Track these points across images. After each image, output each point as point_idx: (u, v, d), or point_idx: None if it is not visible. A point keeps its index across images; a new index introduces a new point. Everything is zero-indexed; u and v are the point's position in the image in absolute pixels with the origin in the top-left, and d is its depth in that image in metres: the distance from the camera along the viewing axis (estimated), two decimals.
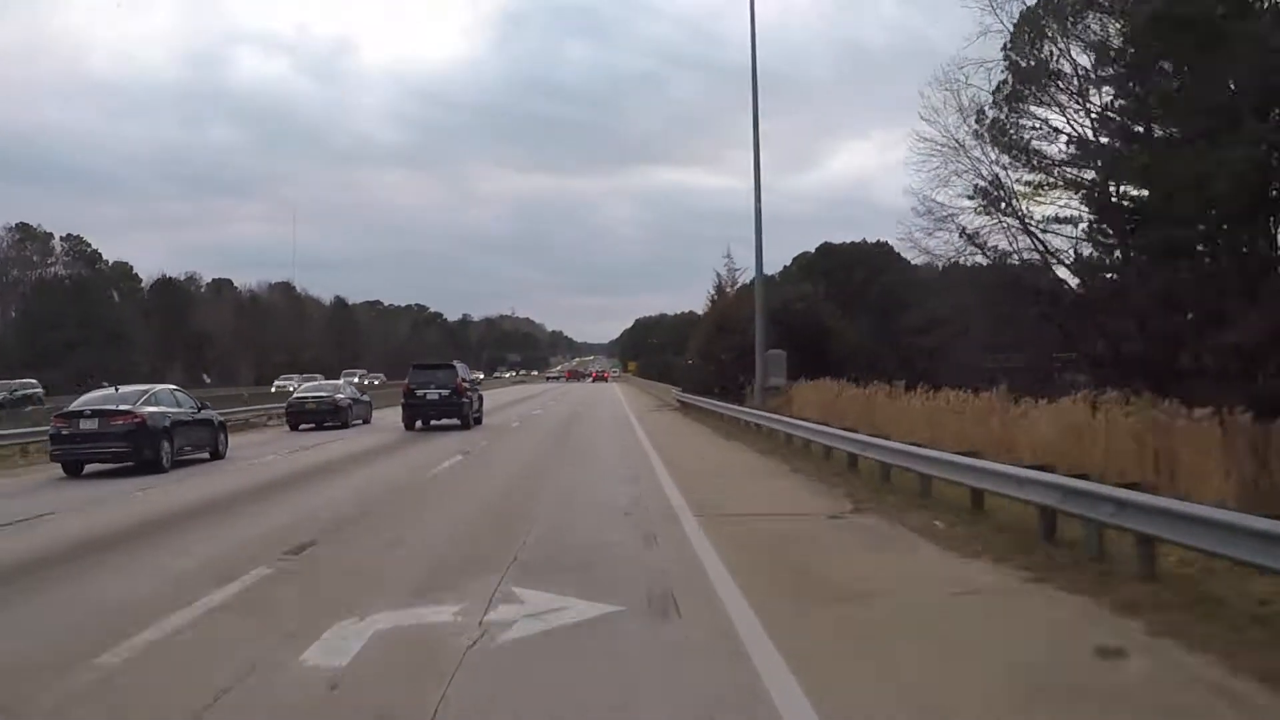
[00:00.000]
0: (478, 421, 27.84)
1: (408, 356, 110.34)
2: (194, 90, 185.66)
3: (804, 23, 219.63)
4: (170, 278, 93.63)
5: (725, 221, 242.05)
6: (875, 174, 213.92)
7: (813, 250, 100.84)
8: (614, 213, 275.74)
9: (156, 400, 16.77)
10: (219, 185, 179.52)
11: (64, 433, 15.81)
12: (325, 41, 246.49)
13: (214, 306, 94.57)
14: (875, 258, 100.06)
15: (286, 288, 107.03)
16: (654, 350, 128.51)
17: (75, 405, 16.54)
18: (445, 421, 26.68)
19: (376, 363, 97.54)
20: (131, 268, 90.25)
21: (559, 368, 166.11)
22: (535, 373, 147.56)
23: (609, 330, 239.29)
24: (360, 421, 30.01)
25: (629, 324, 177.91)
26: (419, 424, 26.32)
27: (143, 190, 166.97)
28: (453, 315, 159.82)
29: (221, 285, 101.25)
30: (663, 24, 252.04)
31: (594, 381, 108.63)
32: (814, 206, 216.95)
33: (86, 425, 15.71)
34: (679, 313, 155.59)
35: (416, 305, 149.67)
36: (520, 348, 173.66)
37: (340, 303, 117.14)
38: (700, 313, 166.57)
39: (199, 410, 18.13)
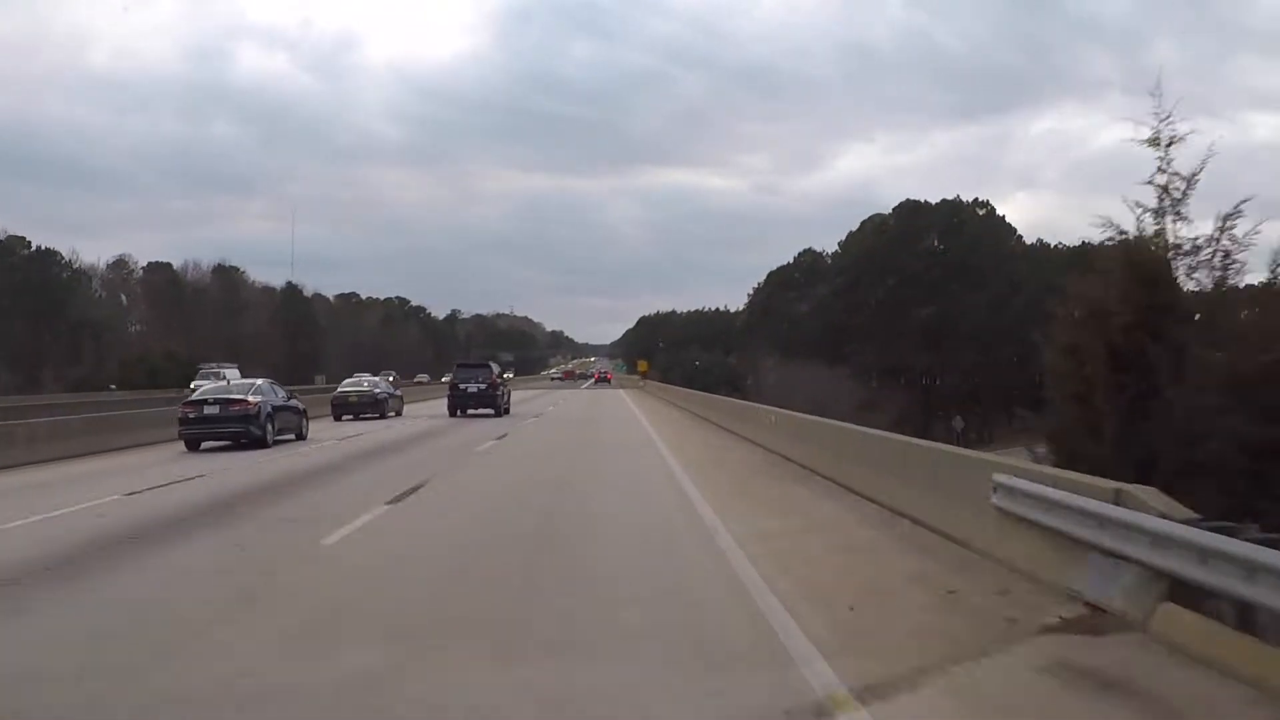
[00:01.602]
0: (506, 411, 32.10)
1: (375, 354, 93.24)
2: (195, 85, 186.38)
3: (811, 21, 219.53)
4: (48, 250, 77.35)
5: (729, 224, 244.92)
6: (880, 175, 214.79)
7: (889, 210, 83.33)
8: (617, 213, 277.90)
9: (260, 391, 20.76)
10: (220, 181, 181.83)
11: (190, 416, 19.73)
12: (328, 37, 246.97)
13: (118, 290, 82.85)
14: (984, 226, 79.44)
15: (226, 273, 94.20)
16: (667, 350, 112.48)
17: (198, 395, 20.56)
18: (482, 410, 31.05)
19: (339, 361, 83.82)
20: (30, 243, 77.32)
21: (556, 369, 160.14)
22: (510, 375, 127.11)
23: (611, 331, 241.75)
24: (393, 414, 33.92)
25: (631, 325, 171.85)
26: (458, 412, 30.63)
27: (144, 186, 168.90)
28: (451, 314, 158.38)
29: (157, 269, 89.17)
30: (669, 22, 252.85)
31: (596, 383, 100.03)
32: (819, 208, 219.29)
33: (209, 410, 19.67)
34: (691, 310, 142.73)
35: (398, 298, 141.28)
36: (515, 346, 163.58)
37: (292, 290, 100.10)
38: (718, 309, 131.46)
39: (289, 399, 22.12)
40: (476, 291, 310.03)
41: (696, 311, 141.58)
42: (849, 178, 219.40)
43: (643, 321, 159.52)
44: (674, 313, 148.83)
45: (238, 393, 20.21)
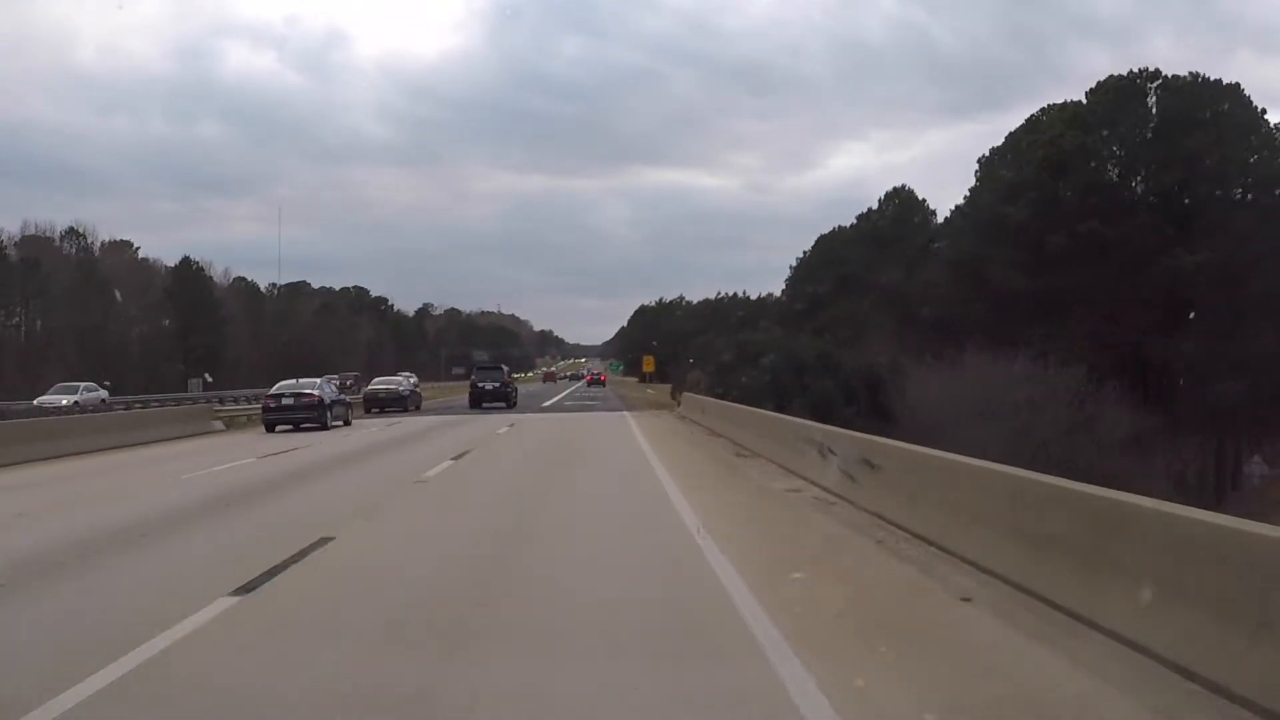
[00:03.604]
0: (514, 405, 39.60)
1: (315, 353, 71.92)
2: (181, 84, 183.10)
3: (804, 17, 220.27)
4: None
5: (721, 223, 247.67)
6: (873, 174, 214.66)
7: (1082, 98, 50.93)
8: (608, 213, 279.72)
9: (321, 388, 26.87)
10: (209, 182, 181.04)
11: (271, 406, 25.80)
12: (315, 35, 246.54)
13: None
14: (1243, 121, 47.97)
15: (82, 243, 73.86)
16: (671, 346, 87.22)
17: (275, 390, 26.62)
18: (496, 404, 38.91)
19: (266, 366, 68.14)
20: None
21: (541, 370, 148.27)
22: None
23: (602, 332, 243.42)
24: (413, 408, 40.15)
25: (623, 324, 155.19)
26: (476, 407, 38.13)
27: (131, 188, 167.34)
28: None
29: (42, 247, 70.28)
30: (661, 19, 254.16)
31: (589, 385, 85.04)
32: (812, 207, 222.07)
33: (285, 402, 25.74)
34: (701, 300, 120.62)
35: (354, 288, 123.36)
36: (495, 345, 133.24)
37: (187, 269, 76.20)
38: (734, 294, 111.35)
39: (339, 395, 28.31)
40: (468, 293, 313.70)
41: (706, 301, 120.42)
42: (841, 176, 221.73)
43: (640, 313, 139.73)
44: (681, 299, 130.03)
45: (307, 388, 26.38)
